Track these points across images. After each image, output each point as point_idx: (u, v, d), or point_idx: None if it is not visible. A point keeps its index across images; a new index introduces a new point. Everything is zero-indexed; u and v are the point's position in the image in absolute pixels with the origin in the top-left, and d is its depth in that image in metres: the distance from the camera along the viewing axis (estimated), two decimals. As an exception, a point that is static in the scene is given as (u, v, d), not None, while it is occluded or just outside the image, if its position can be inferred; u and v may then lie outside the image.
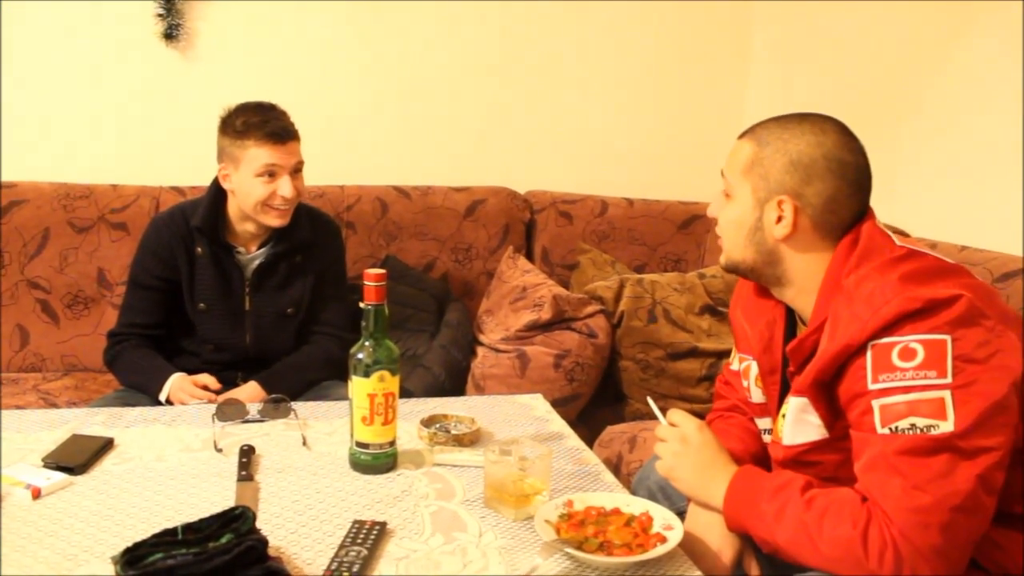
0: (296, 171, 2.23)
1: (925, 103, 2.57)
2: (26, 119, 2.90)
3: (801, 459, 1.39)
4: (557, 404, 2.32)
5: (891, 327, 1.23)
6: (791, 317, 1.49)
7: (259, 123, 2.16)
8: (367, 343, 1.58)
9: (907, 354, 1.21)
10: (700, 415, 2.33)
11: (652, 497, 1.69)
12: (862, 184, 1.39)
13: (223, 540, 1.19)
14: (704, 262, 3.00)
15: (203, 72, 2.99)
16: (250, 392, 2.19)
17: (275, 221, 2.24)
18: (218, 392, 2.16)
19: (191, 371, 2.23)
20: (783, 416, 1.43)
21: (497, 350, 2.45)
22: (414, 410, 1.89)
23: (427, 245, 2.97)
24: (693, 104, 3.34)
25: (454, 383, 2.49)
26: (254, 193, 2.18)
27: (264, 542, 1.21)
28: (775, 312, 1.51)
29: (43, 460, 1.60)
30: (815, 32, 3.04)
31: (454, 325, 2.63)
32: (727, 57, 3.33)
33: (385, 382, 1.58)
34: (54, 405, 2.43)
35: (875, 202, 2.56)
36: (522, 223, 3.06)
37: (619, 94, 3.29)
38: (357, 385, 1.58)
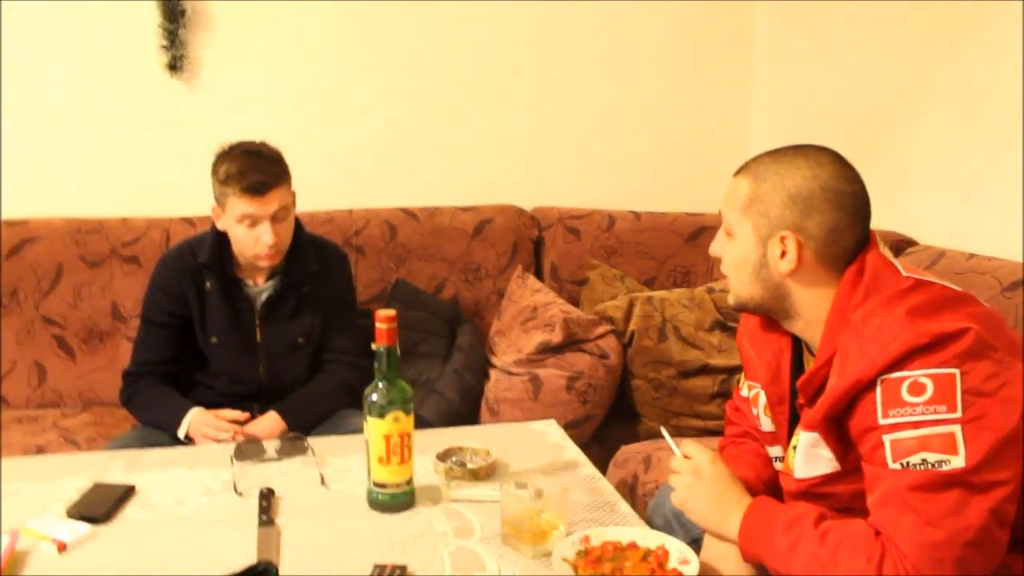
0: (278, 218, 2.19)
1: (933, 108, 2.56)
2: (34, 154, 2.93)
3: (814, 491, 1.40)
4: (571, 426, 2.34)
5: (900, 362, 1.23)
6: (797, 346, 1.50)
7: (237, 175, 2.14)
8: (380, 384, 1.60)
9: (916, 389, 1.22)
10: (713, 431, 2.36)
11: (668, 525, 1.70)
12: (861, 212, 1.40)
13: (247, 596, 1.21)
14: (713, 274, 3.00)
15: (208, 102, 3.01)
16: (270, 423, 2.22)
17: (263, 263, 2.25)
18: (243, 423, 2.19)
19: (207, 404, 2.25)
20: (794, 448, 1.44)
21: (510, 373, 2.46)
22: (429, 442, 1.89)
23: (436, 266, 2.98)
24: (697, 115, 3.34)
25: (468, 407, 2.51)
26: (238, 238, 2.21)
27: (287, 597, 1.23)
28: (781, 343, 1.52)
29: (67, 511, 1.62)
30: (818, 41, 3.03)
31: (466, 349, 2.64)
32: (730, 67, 3.33)
33: (400, 422, 1.60)
34: (74, 442, 2.46)
35: (883, 209, 2.56)
36: (530, 240, 3.07)
37: (622, 107, 3.30)
38: (372, 426, 1.60)
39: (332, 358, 2.40)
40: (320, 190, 2.99)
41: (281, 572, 1.42)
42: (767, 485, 1.57)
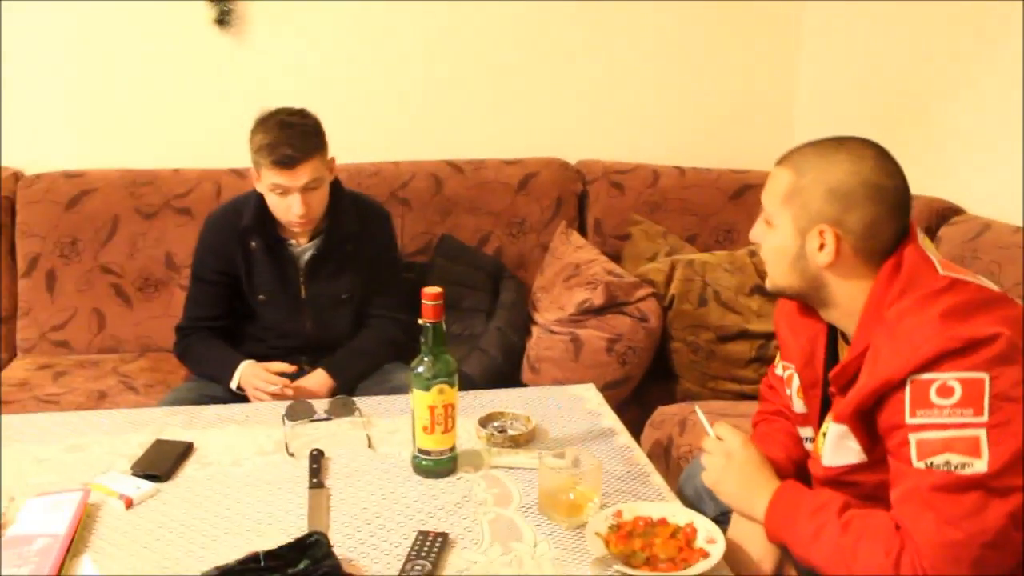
0: (309, 188, 2.23)
1: (986, 72, 2.51)
2: (89, 107, 3.03)
3: (840, 479, 1.45)
4: (609, 387, 2.41)
5: (930, 364, 1.26)
6: (832, 333, 1.54)
7: (269, 148, 2.18)
8: (426, 358, 1.66)
9: (945, 391, 1.26)
10: (749, 396, 2.41)
11: (698, 496, 1.77)
12: (901, 207, 1.41)
13: (301, 566, 1.30)
14: (755, 233, 3.01)
15: (256, 56, 3.06)
16: (318, 379, 2.31)
17: (296, 229, 2.32)
18: (292, 377, 2.28)
19: (257, 357, 2.34)
20: (823, 435, 1.48)
21: (552, 332, 2.52)
22: (472, 404, 1.96)
23: (481, 220, 3.03)
24: (744, 70, 3.31)
25: (510, 364, 2.58)
26: (271, 204, 2.27)
27: (338, 567, 1.32)
28: (816, 328, 1.55)
29: (132, 468, 1.72)
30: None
31: (509, 306, 2.70)
32: (778, 22, 3.28)
33: (444, 394, 1.67)
34: (133, 388, 2.59)
35: (931, 174, 2.53)
36: (574, 195, 3.10)
37: (668, 60, 3.28)
38: (418, 398, 1.67)
39: (376, 313, 2.47)
40: (367, 142, 3.04)
41: (331, 535, 1.51)
42: (796, 465, 1.61)
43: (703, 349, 2.52)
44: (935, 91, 2.70)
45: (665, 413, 2.41)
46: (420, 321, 1.66)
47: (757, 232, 1.53)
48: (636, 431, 2.42)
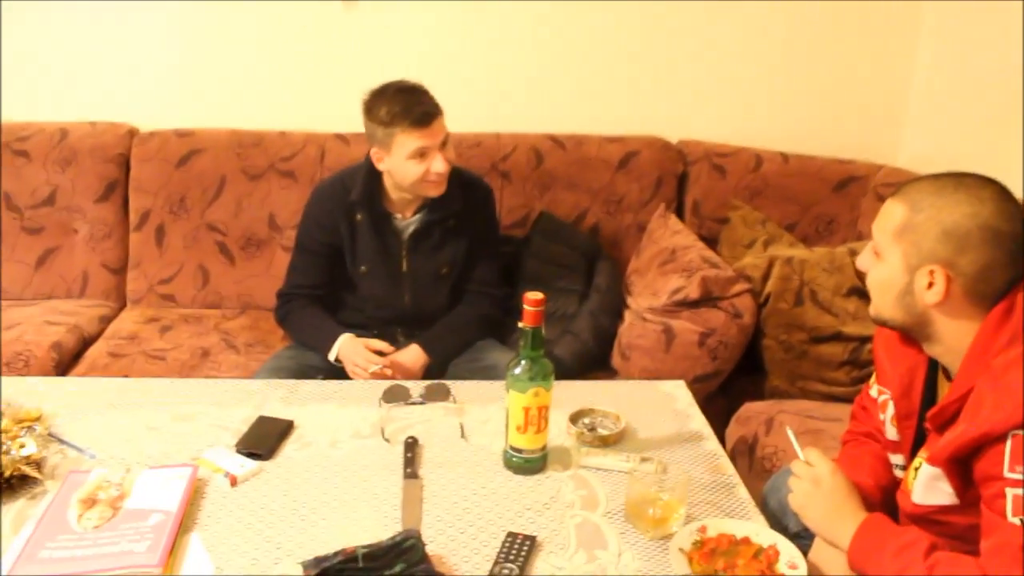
0: (444, 145, 2.30)
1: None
2: (200, 68, 3.11)
3: (929, 518, 1.44)
4: (698, 380, 2.42)
5: (1034, 422, 1.25)
6: (932, 365, 1.52)
7: (403, 111, 2.23)
8: (524, 361, 1.69)
9: (1047, 451, 1.24)
10: (839, 397, 2.39)
11: (782, 509, 1.78)
12: (1019, 252, 1.38)
13: (396, 569, 1.36)
14: (857, 225, 2.95)
15: (365, 23, 3.08)
16: (413, 355, 2.38)
17: (433, 191, 2.35)
18: (388, 354, 2.35)
19: (355, 326, 2.42)
20: (915, 469, 1.48)
21: (644, 319, 2.53)
22: (562, 396, 1.95)
23: (579, 196, 3.02)
24: (857, 58, 3.18)
25: (601, 348, 2.60)
26: (409, 174, 2.29)
27: (432, 574, 1.37)
28: (917, 359, 1.53)
29: (236, 446, 1.80)
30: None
31: (603, 290, 2.71)
32: (898, 10, 3.14)
33: (539, 396, 1.70)
34: (234, 347, 2.69)
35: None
36: (674, 176, 3.06)
37: (778, 42, 3.18)
38: (513, 398, 1.71)
39: (473, 288, 2.52)
40: (470, 113, 3.03)
41: (423, 529, 1.57)
42: (884, 492, 1.61)
43: (795, 349, 2.50)
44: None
45: (752, 410, 2.41)
46: (520, 325, 1.69)
47: (864, 261, 1.51)
48: (721, 423, 2.44)
